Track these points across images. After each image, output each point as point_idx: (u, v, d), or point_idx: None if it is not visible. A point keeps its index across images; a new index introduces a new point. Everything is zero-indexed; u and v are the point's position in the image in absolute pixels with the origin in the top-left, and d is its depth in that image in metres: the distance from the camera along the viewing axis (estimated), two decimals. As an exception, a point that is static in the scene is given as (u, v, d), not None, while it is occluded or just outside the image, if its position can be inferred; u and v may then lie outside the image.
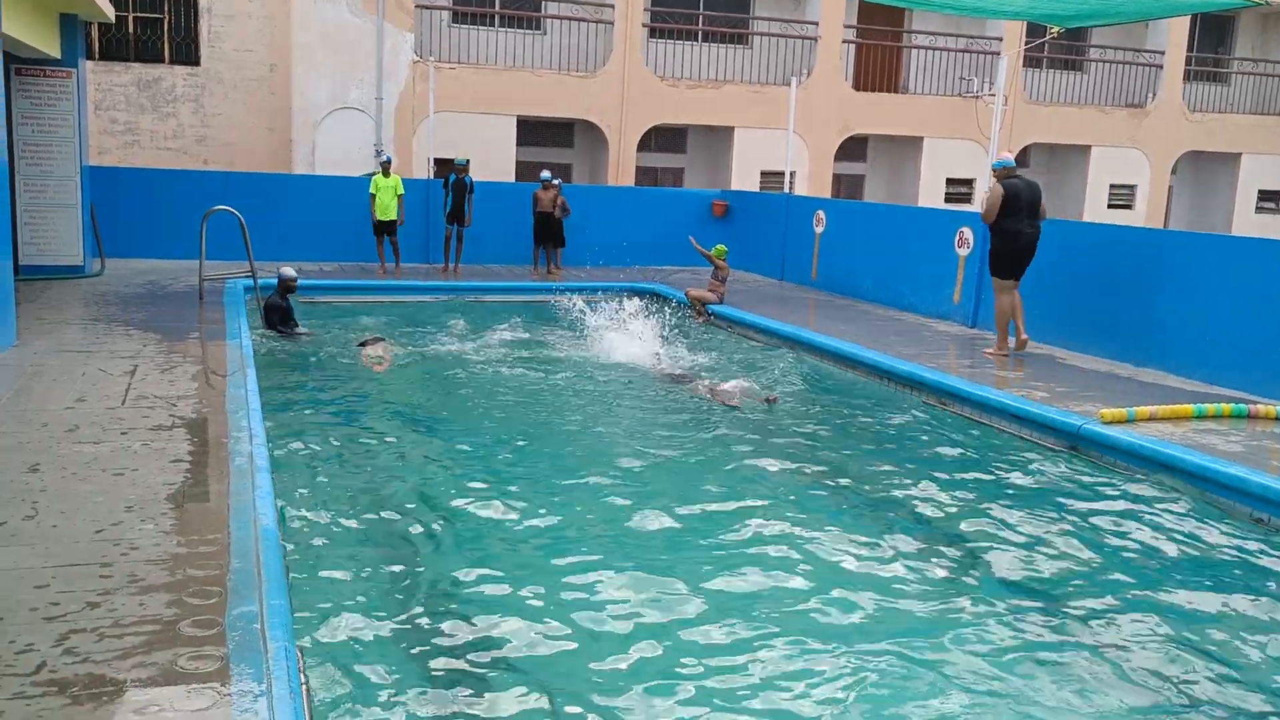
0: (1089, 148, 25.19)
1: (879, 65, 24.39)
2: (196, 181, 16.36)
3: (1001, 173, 10.45)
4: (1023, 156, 25.54)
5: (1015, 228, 10.32)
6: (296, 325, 11.82)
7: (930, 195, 24.18)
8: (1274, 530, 6.25)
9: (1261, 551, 5.97)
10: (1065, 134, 24.89)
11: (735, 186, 22.29)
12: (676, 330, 11.67)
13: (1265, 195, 26.78)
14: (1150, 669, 4.55)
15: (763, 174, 22.80)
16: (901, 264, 14.18)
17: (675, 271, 17.66)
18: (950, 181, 24.64)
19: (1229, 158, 26.40)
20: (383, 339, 10.89)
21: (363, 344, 10.68)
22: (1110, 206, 25.44)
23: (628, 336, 11.43)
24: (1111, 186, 25.56)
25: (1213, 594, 5.36)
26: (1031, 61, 25.09)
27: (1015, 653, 4.65)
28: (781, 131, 19.63)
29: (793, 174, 19.65)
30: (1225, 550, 5.98)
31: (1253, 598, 5.34)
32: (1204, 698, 4.34)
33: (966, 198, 24.46)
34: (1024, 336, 10.72)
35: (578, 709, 4.06)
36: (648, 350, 10.97)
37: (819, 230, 16.02)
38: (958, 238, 12.80)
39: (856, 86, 23.90)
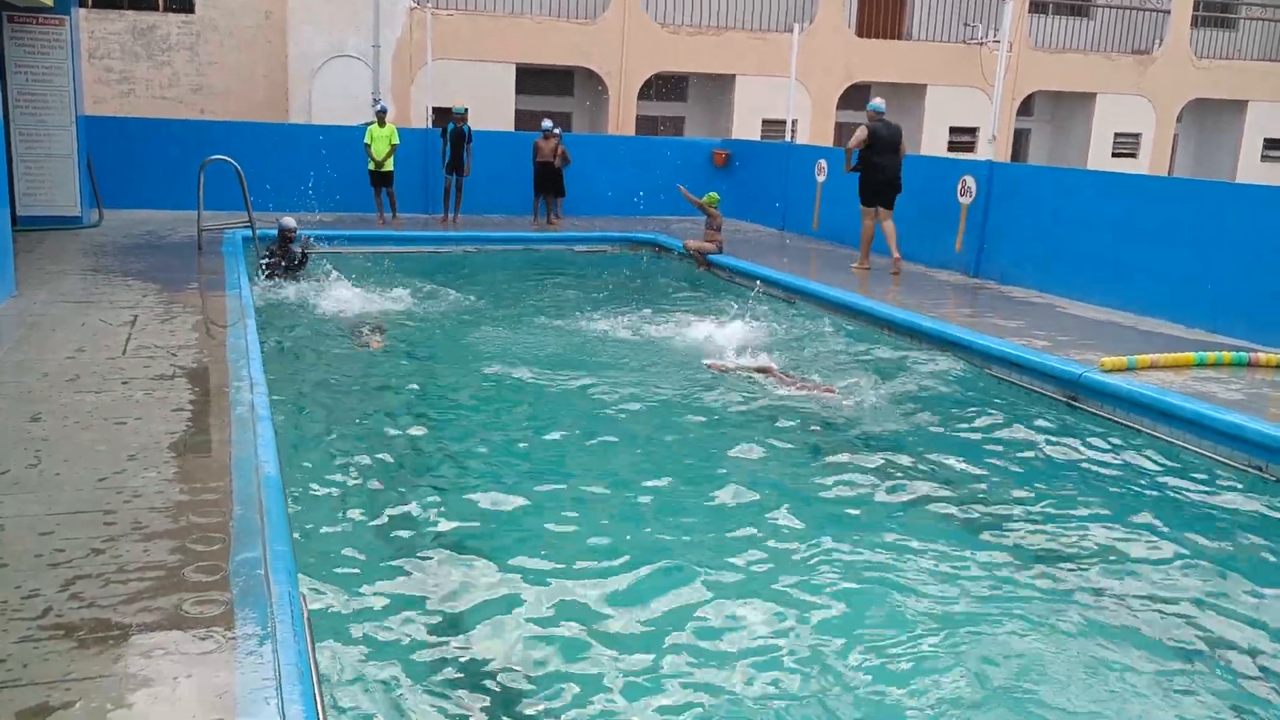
0: (1094, 95, 24.98)
1: (882, 11, 24.10)
2: (193, 131, 16.22)
3: (872, 115, 12.17)
4: (1026, 105, 25.33)
5: (878, 163, 12.12)
6: (303, 261, 11.83)
7: (933, 144, 24.00)
8: (1272, 478, 6.27)
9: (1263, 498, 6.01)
10: (1070, 81, 24.66)
11: (736, 135, 22.12)
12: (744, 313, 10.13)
13: (1271, 143, 26.59)
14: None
15: (764, 122, 22.63)
16: (903, 213, 14.08)
17: (676, 221, 17.57)
18: (953, 130, 24.46)
19: (1235, 105, 26.18)
20: (381, 329, 10.00)
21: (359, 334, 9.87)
22: (1114, 155, 25.27)
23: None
24: (1116, 135, 25.37)
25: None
26: (1037, 7, 24.80)
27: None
28: (783, 79, 19.43)
29: (794, 122, 19.47)
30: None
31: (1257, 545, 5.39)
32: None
33: (970, 146, 24.29)
34: (897, 258, 12.41)
35: (583, 664, 4.11)
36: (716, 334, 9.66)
37: (821, 179, 15.90)
38: (960, 186, 12.71)
39: (860, 33, 23.65)
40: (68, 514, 4.28)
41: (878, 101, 12.48)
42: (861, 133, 12.07)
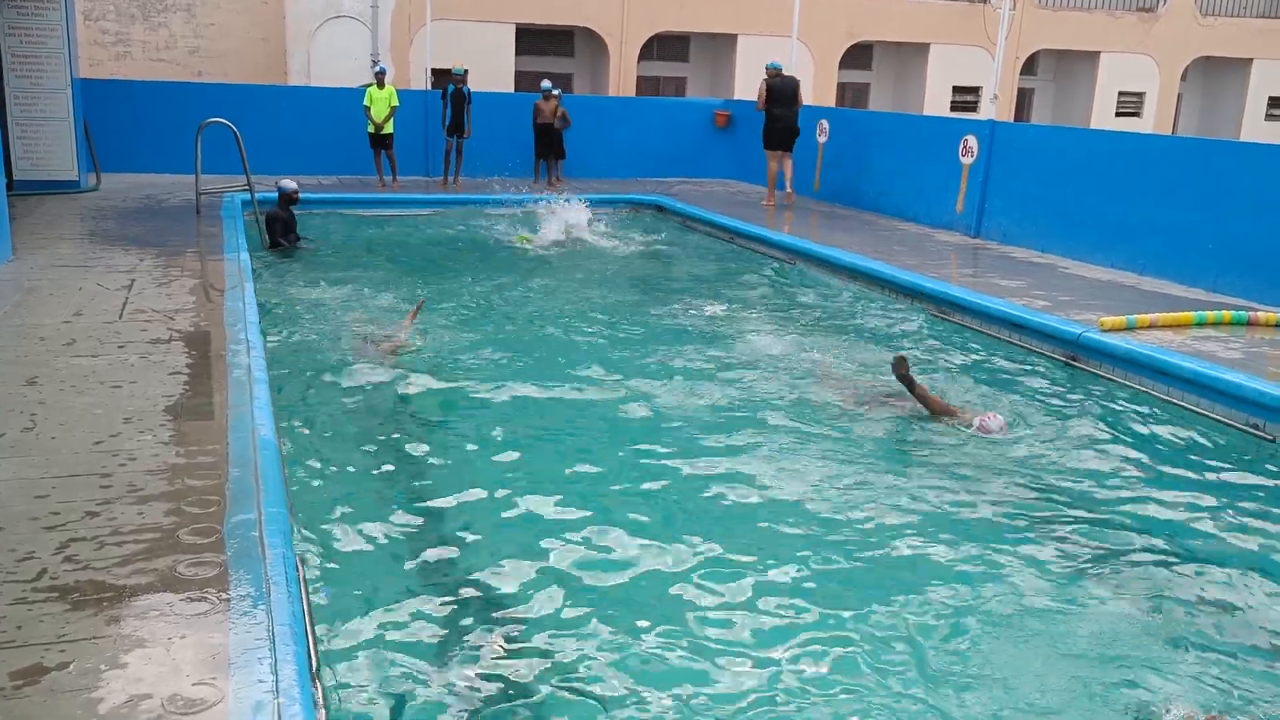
0: (1098, 54, 24.75)
1: (885, -31, 23.84)
2: (191, 94, 16.11)
3: (772, 72, 14.18)
4: (1030, 63, 25.10)
5: (777, 113, 14.14)
6: (298, 238, 11.75)
7: (936, 103, 23.83)
8: (1269, 436, 6.26)
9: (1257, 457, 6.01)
10: (1074, 39, 24.43)
11: (738, 96, 21.94)
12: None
13: (1276, 102, 26.36)
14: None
15: (766, 83, 22.42)
16: (905, 173, 14.02)
17: (678, 183, 17.48)
18: (956, 89, 24.27)
19: (1239, 63, 25.93)
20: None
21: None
22: (1118, 114, 25.08)
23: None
24: (1120, 94, 25.16)
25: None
26: (1042, -36, 24.51)
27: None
28: (785, 39, 19.23)
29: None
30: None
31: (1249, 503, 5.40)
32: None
33: (973, 106, 24.12)
34: (790, 191, 14.75)
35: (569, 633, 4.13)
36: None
37: (822, 140, 15.80)
38: (962, 146, 12.63)
39: (862, -9, 23.40)
40: (63, 477, 4.29)
41: (776, 60, 14.67)
42: (761, 89, 14.21)
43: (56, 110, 13.17)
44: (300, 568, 3.87)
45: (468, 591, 4.26)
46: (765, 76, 14.32)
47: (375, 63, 18.07)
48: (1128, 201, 10.43)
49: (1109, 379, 7.36)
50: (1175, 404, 6.84)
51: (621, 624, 4.02)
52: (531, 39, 22.01)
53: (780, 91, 14.11)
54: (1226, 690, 3.72)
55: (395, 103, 15.53)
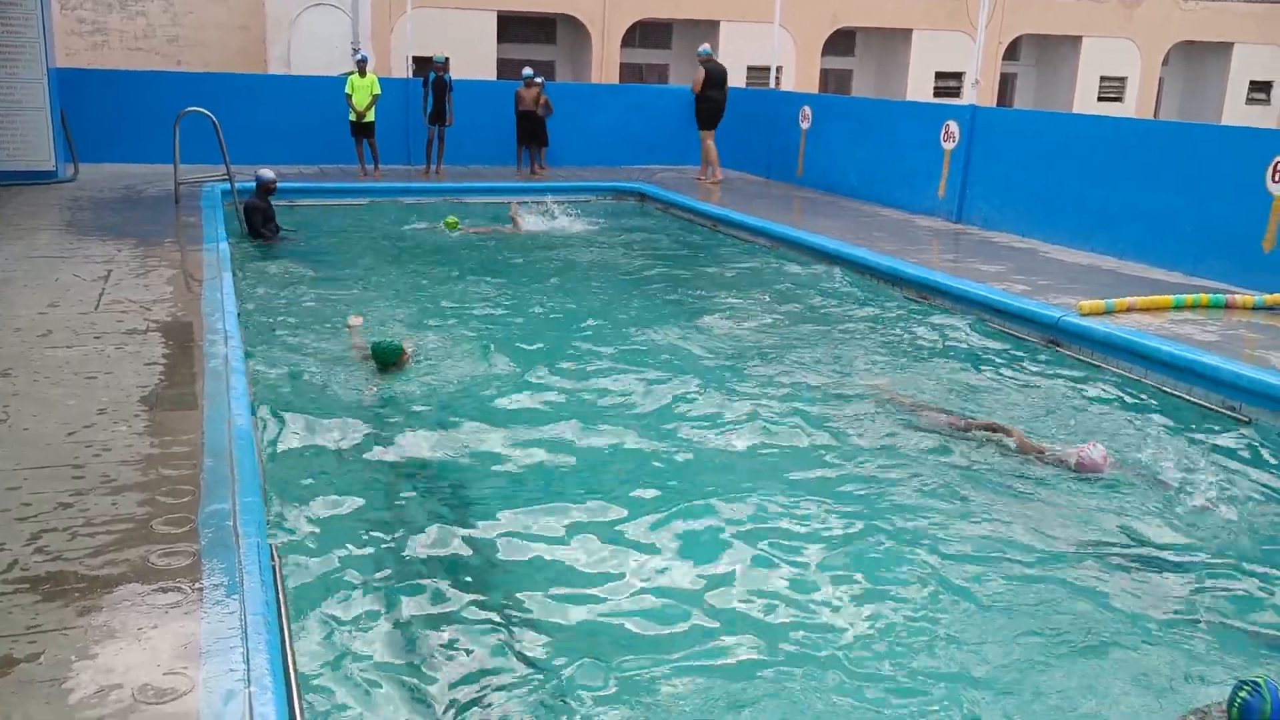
0: (1080, 39, 24.78)
1: (867, -46, 23.81)
2: (169, 83, 15.96)
3: (703, 59, 15.26)
4: (1013, 49, 25.12)
5: (709, 95, 15.16)
6: (279, 228, 11.68)
7: (919, 89, 23.84)
8: (1245, 418, 6.30)
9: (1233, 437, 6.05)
10: (1056, 24, 24.46)
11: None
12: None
13: (1257, 86, 26.45)
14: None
15: (749, 69, 22.40)
16: (887, 159, 14.02)
17: (661, 170, 17.44)
18: (939, 75, 24.27)
19: (1221, 48, 26.00)
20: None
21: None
22: (1100, 99, 25.14)
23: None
24: (1102, 79, 25.21)
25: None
26: (1023, -51, 24.52)
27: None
28: (768, 25, 19.20)
29: (779, 69, 19.29)
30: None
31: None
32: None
33: (957, 91, 24.12)
34: (718, 176, 15.72)
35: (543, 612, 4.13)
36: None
37: (805, 126, 15.79)
38: (944, 131, 12.63)
39: (844, -23, 23.37)
40: (35, 468, 4.26)
41: (705, 46, 15.69)
42: (699, 74, 15.13)
43: (33, 100, 13.05)
44: (275, 557, 3.85)
45: (445, 583, 4.25)
46: (699, 60, 15.31)
47: (356, 51, 17.92)
48: (1108, 186, 10.45)
49: (1088, 362, 7.40)
50: (1153, 386, 6.87)
51: (613, 630, 4.01)
52: (513, 26, 21.91)
53: (714, 75, 15.08)
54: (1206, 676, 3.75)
55: (377, 91, 15.43)
